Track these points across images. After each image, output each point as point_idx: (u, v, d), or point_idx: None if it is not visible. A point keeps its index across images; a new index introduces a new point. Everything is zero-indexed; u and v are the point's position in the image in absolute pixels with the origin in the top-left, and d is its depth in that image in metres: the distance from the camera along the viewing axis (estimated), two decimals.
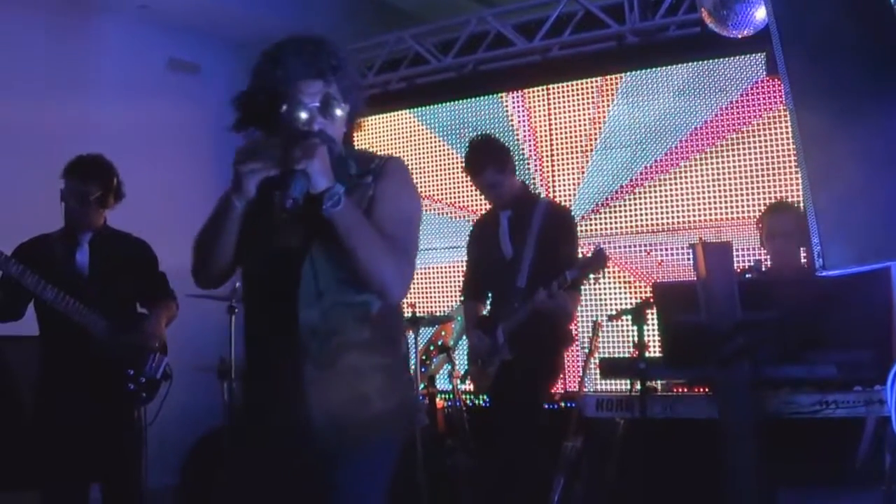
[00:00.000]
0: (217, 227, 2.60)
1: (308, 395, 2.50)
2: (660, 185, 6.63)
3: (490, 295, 5.35)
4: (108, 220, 4.75)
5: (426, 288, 7.50)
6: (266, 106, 2.60)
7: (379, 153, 2.80)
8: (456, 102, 7.58)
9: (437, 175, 7.59)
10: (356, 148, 2.97)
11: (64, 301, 4.36)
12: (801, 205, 4.76)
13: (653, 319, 3.95)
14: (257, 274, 2.66)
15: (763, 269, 4.67)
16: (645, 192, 6.69)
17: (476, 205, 6.95)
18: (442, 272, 7.45)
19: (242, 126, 2.69)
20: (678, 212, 6.54)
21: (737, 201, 6.31)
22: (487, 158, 5.00)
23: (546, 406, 5.22)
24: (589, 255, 4.79)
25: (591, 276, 4.70)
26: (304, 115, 2.54)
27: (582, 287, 4.98)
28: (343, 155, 2.68)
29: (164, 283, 4.88)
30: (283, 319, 2.53)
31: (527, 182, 6.10)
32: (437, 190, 7.55)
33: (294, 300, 2.51)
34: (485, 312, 5.34)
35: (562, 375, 5.38)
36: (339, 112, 2.62)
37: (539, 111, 7.16)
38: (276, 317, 2.56)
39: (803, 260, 4.63)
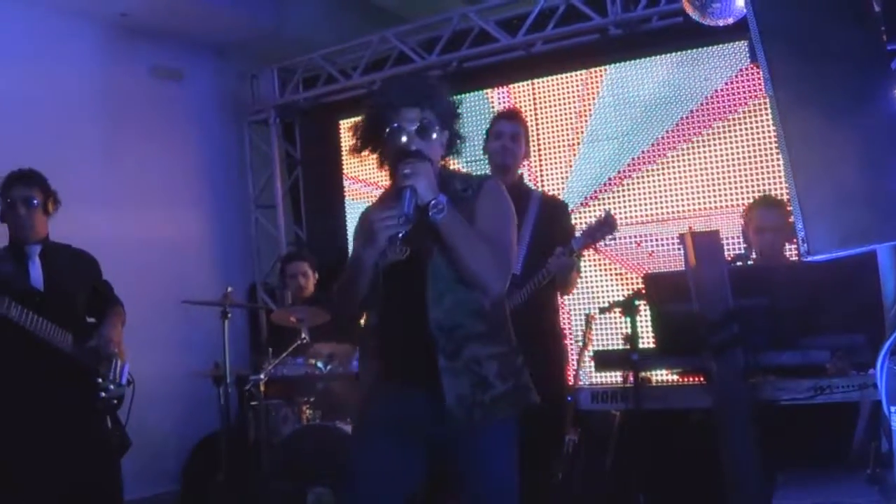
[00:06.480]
0: (355, 279, 2.99)
1: (441, 381, 2.90)
2: (648, 176, 6.63)
3: None
4: (49, 231, 4.66)
5: None
6: (375, 131, 3.03)
7: (476, 173, 3.27)
8: None
9: None
10: (454, 169, 3.27)
11: (28, 318, 4.25)
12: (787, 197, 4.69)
13: (645, 310, 3.94)
14: (390, 284, 3.03)
15: (750, 261, 4.64)
16: (633, 184, 6.69)
17: None
18: None
19: (359, 150, 3.10)
20: (667, 202, 6.54)
21: (725, 189, 6.32)
22: (521, 119, 4.97)
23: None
24: (594, 221, 4.58)
25: (602, 238, 4.53)
26: (403, 138, 2.94)
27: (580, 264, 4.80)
28: (444, 174, 3.07)
29: (111, 290, 4.88)
30: (416, 319, 2.94)
31: None
32: None
33: (423, 302, 2.93)
34: None
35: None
36: (434, 136, 2.99)
37: (525, 106, 7.15)
38: (409, 318, 2.97)
39: (793, 257, 4.62)
